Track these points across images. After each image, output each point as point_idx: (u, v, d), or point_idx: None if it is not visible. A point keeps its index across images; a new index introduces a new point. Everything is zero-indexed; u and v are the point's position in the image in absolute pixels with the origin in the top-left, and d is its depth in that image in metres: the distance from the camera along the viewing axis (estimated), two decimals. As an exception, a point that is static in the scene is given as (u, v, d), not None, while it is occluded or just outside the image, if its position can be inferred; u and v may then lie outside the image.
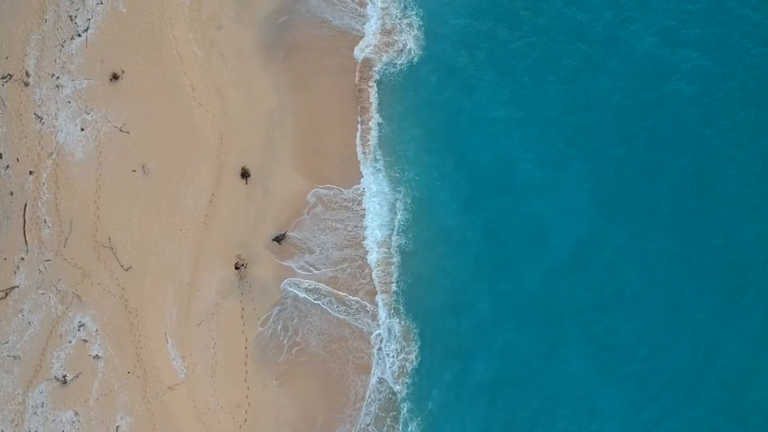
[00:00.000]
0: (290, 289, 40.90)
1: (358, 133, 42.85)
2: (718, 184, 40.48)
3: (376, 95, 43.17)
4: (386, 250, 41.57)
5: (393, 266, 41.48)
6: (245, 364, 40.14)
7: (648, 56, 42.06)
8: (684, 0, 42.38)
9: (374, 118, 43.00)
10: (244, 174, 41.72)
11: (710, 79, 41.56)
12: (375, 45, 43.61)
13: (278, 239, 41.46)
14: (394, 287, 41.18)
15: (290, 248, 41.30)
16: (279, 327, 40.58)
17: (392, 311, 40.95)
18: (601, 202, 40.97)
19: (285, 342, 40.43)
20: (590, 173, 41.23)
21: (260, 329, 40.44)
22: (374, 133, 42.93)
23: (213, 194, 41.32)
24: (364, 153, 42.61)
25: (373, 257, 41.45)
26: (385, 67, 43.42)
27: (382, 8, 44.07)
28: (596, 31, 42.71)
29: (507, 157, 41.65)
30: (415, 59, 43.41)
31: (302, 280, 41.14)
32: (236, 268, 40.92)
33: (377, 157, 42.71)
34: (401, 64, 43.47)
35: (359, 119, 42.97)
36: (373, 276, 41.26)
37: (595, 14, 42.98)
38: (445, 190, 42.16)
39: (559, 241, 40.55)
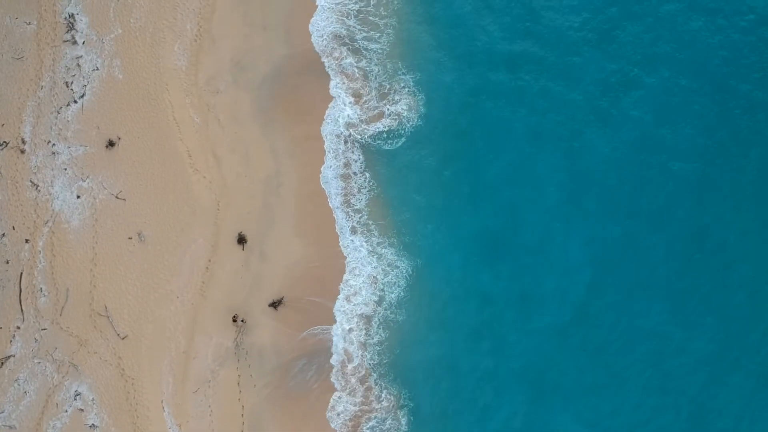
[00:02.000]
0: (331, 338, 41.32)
1: (341, 200, 43.05)
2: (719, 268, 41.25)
3: (362, 160, 43.11)
4: (366, 325, 41.94)
5: (376, 338, 41.77)
6: (242, 431, 40.21)
7: (644, 135, 42.49)
8: (681, 77, 42.67)
9: (362, 183, 43.02)
10: (241, 240, 41.79)
11: (706, 156, 42.14)
12: (366, 111, 43.54)
13: (275, 305, 41.54)
14: (376, 359, 41.49)
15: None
16: (310, 374, 40.88)
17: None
18: (595, 276, 41.58)
19: (315, 387, 40.90)
20: (587, 246, 41.78)
21: (256, 395, 40.49)
22: (363, 197, 42.92)
23: (209, 261, 41.38)
24: (348, 218, 42.68)
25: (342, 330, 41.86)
26: (376, 133, 43.32)
27: (369, 73, 43.94)
28: (593, 105, 43.02)
29: (502, 226, 41.94)
30: (409, 126, 43.35)
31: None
32: (234, 321, 41.06)
33: (365, 222, 42.76)
34: (394, 131, 43.33)
35: (343, 185, 43.02)
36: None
37: (589, 89, 43.31)
38: (436, 258, 42.48)
39: (552, 313, 40.95)
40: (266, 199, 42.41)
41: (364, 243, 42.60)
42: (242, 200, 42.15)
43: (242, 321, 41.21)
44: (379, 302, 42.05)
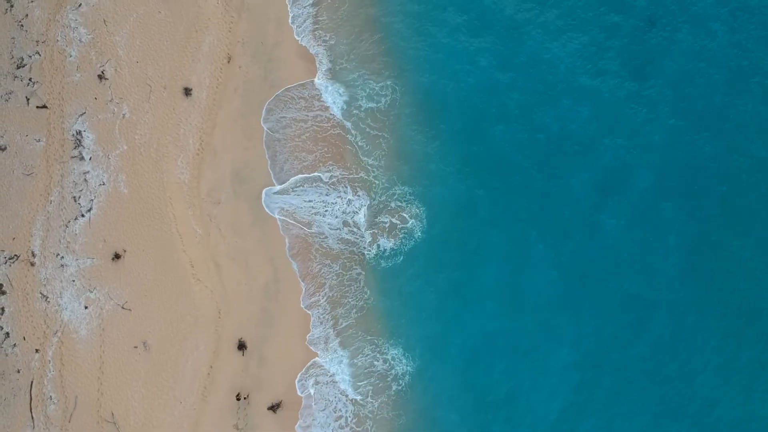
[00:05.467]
0: None
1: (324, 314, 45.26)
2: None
3: (364, 273, 45.44)
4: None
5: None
6: None
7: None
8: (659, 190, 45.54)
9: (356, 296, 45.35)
10: (241, 346, 43.97)
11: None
12: (366, 218, 45.77)
13: (274, 408, 43.73)
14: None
15: None
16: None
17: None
18: (584, 377, 44.49)
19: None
20: (576, 348, 44.56)
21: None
22: (353, 313, 45.28)
23: (211, 367, 43.52)
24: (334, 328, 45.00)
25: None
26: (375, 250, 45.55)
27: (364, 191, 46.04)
28: (582, 212, 45.73)
29: (497, 329, 44.82)
30: (407, 239, 45.52)
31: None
32: (237, 399, 43.35)
33: (353, 331, 45.09)
34: (388, 248, 45.46)
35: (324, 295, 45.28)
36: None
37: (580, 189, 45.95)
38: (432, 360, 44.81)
39: (543, 412, 44.03)
40: (265, 305, 44.54)
41: (362, 348, 44.98)
42: (242, 307, 44.26)
43: (245, 398, 43.47)
44: (373, 402, 44.39)
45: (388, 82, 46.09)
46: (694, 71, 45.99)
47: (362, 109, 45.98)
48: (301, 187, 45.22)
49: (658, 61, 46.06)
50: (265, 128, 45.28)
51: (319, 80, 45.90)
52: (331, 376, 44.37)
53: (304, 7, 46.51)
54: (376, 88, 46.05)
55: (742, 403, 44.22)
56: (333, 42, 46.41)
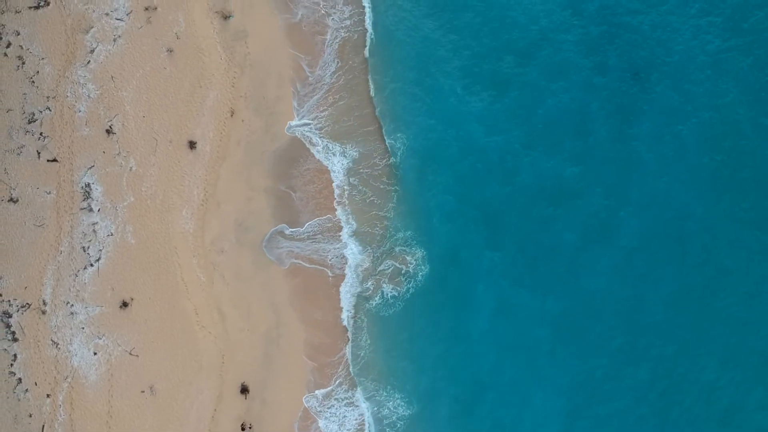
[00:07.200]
0: None
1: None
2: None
3: (366, 323, 47.33)
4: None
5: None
6: None
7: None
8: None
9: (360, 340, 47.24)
10: (244, 390, 45.84)
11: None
12: (365, 270, 47.61)
13: (274, 449, 45.71)
14: None
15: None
16: None
17: None
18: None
19: None
20: (564, 392, 46.60)
21: None
22: (359, 356, 47.21)
23: (215, 410, 45.37)
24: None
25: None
26: (371, 295, 47.39)
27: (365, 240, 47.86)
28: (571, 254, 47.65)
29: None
30: (407, 289, 47.42)
31: None
32: (242, 429, 45.24)
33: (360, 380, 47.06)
34: (387, 295, 47.34)
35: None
36: None
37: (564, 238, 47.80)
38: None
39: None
40: (267, 350, 46.35)
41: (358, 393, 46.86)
42: (245, 352, 46.08)
43: (249, 427, 45.38)
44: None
45: (392, 143, 47.77)
46: (675, 129, 47.83)
47: (376, 168, 47.73)
48: (320, 234, 47.05)
49: (640, 118, 47.80)
50: (283, 187, 47.20)
51: (319, 150, 47.44)
52: (333, 419, 46.16)
53: (310, 84, 47.89)
54: (381, 149, 47.79)
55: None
56: (341, 103, 47.98)
